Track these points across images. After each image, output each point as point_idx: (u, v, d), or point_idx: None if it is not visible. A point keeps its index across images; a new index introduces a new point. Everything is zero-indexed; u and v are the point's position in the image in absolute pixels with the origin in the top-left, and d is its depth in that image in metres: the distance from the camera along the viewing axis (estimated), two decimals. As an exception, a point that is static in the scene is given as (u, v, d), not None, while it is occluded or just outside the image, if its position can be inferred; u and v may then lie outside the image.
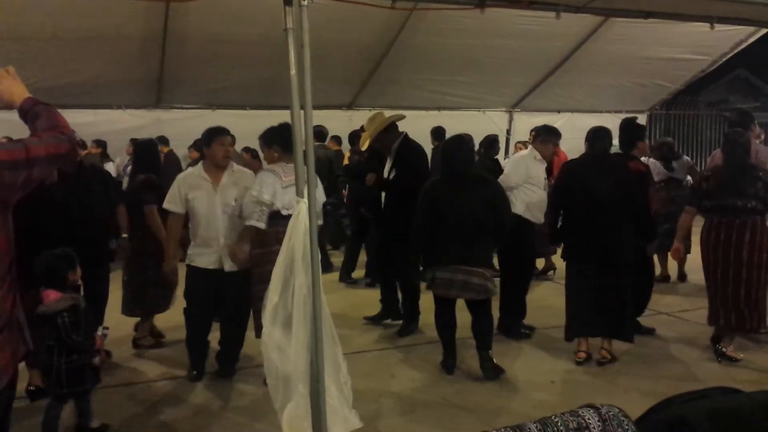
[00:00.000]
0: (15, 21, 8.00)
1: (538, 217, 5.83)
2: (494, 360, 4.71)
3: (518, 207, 5.65)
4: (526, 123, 12.06)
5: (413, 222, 4.90)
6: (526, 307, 5.83)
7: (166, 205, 4.76)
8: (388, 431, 3.86)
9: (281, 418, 2.99)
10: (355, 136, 8.72)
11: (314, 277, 2.86)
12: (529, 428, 1.66)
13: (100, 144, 10.25)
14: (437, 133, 9.85)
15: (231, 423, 4.04)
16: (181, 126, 10.55)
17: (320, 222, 4.37)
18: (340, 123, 10.22)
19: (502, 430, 1.59)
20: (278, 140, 4.66)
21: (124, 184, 9.27)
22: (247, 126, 8.70)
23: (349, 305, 6.58)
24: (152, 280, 5.26)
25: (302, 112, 2.92)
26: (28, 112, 2.21)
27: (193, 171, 4.87)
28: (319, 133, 8.96)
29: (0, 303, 1.97)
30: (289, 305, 2.94)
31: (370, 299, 6.40)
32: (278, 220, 4.37)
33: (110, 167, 9.71)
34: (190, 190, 4.67)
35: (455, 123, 10.78)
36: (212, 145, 4.71)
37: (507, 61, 10.57)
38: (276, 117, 8.96)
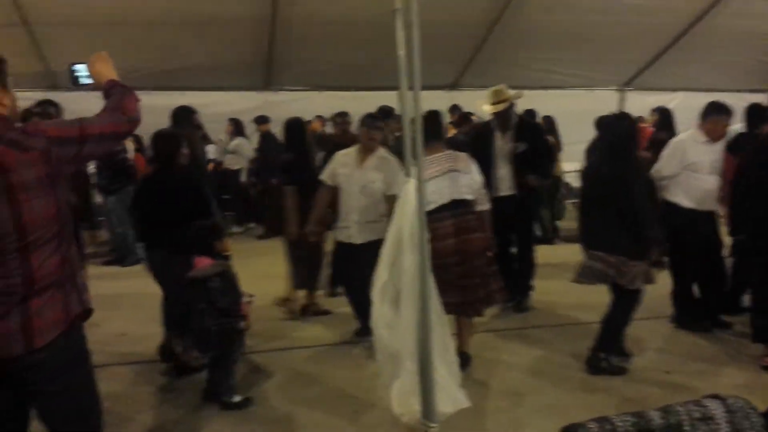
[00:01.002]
0: (132, 6, 8.47)
1: (707, 205, 5.16)
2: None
3: (678, 196, 5.14)
4: (638, 102, 11.56)
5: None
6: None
7: (321, 177, 5.05)
8: (495, 411, 3.85)
9: (390, 394, 3.05)
10: (462, 116, 8.62)
11: (422, 256, 2.88)
12: (651, 416, 1.61)
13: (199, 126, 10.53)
14: (531, 113, 9.37)
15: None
16: (288, 108, 10.77)
17: None
18: (442, 103, 10.14)
19: (624, 415, 1.55)
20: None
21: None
22: (350, 108, 8.82)
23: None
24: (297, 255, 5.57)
25: (410, 93, 2.91)
26: (106, 92, 2.42)
27: (349, 150, 5.08)
28: (388, 113, 8.77)
29: (46, 262, 2.15)
30: (397, 283, 2.97)
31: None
32: None
33: (210, 149, 10.06)
34: (340, 166, 4.95)
35: (561, 102, 10.50)
36: (361, 129, 4.98)
37: (618, 37, 10.14)
38: (380, 98, 9.19)
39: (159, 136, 4.50)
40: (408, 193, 2.85)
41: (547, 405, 3.95)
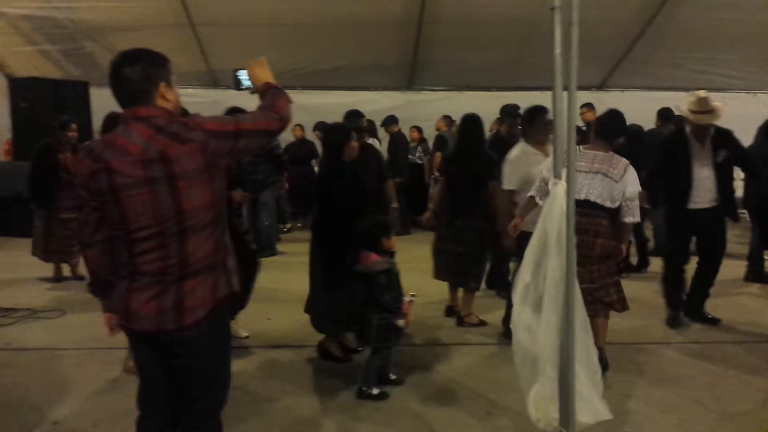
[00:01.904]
0: (286, 8, 8.89)
1: None
2: None
3: None
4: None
5: None
6: None
7: (506, 186, 5.02)
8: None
9: (527, 398, 3.01)
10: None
11: (569, 260, 2.82)
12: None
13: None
14: (664, 114, 8.51)
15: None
16: (430, 107, 10.93)
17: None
18: (589, 105, 9.86)
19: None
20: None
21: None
22: (491, 108, 8.74)
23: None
24: (436, 246, 5.52)
25: (565, 93, 2.85)
26: (262, 93, 2.57)
27: (522, 148, 5.07)
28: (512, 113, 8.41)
29: (202, 246, 2.31)
30: (540, 286, 2.92)
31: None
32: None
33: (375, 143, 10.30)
34: (529, 166, 4.87)
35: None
36: (543, 127, 4.98)
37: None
38: (521, 98, 9.05)
39: (327, 129, 4.68)
40: (557, 195, 2.80)
41: (693, 424, 3.73)
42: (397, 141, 9.69)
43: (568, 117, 2.86)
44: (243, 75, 2.75)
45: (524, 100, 8.90)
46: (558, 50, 2.83)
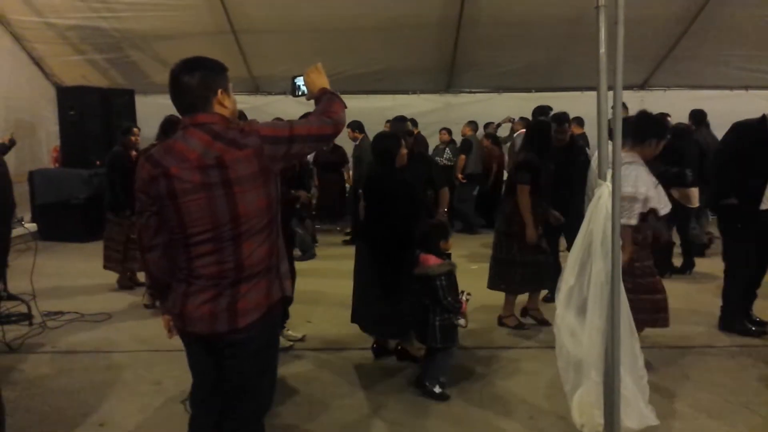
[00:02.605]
0: (324, 14, 8.96)
1: None
2: None
3: None
4: None
5: None
6: None
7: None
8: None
9: (571, 402, 2.99)
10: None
11: (614, 263, 2.78)
12: None
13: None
14: (696, 116, 8.20)
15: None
16: (468, 109, 10.88)
17: None
18: (630, 105, 9.65)
19: None
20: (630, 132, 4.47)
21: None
22: (531, 109, 8.68)
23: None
24: (517, 259, 5.31)
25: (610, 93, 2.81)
26: (317, 99, 2.61)
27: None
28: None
29: (256, 251, 2.36)
30: (584, 290, 2.90)
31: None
32: None
33: None
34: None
35: (765, 104, 9.60)
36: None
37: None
38: (561, 99, 8.96)
39: (378, 137, 4.76)
40: (602, 197, 2.77)
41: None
42: (364, 147, 9.48)
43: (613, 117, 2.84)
44: (300, 81, 2.78)
45: (564, 101, 8.91)
46: (603, 50, 2.81)
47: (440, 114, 10.82)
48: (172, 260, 2.42)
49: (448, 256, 4.28)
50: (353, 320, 4.75)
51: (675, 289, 5.83)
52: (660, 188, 4.16)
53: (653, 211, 4.11)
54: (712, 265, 6.76)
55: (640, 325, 4.11)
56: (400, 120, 5.87)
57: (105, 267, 6.72)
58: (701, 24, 9.24)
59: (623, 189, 3.92)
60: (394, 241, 4.40)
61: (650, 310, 4.20)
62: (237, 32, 9.51)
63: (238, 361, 2.43)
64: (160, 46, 9.76)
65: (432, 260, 4.09)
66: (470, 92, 11.22)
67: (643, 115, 4.39)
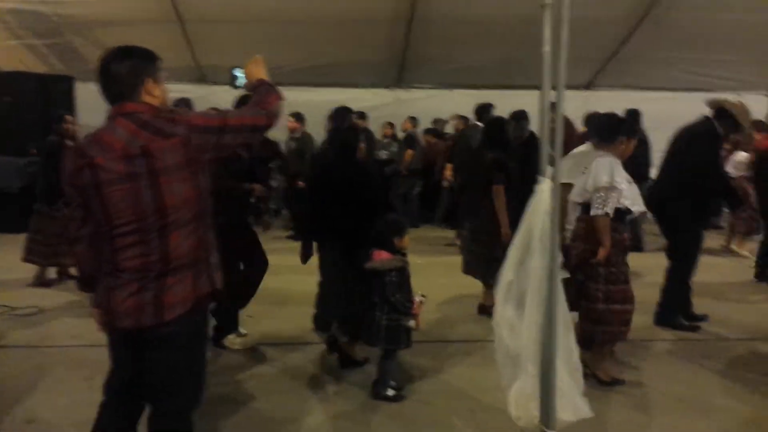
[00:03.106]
0: (276, 6, 8.84)
1: None
2: None
3: None
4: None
5: None
6: None
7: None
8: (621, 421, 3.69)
9: (508, 396, 3.00)
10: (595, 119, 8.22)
11: (552, 259, 2.80)
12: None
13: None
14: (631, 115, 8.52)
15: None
16: (419, 105, 10.92)
17: None
18: (575, 104, 9.82)
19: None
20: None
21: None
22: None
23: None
24: (497, 255, 5.34)
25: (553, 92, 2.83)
26: (254, 89, 2.58)
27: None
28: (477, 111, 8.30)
29: (183, 243, 2.32)
30: (523, 284, 2.91)
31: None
32: None
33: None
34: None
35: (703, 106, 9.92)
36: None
37: (776, 37, 9.43)
38: (511, 97, 9.04)
39: (341, 129, 4.66)
40: (542, 193, 2.78)
41: (674, 421, 3.73)
42: (305, 140, 9.42)
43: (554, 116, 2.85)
44: (239, 72, 2.74)
45: (514, 99, 8.98)
46: (547, 48, 2.82)
47: (390, 109, 10.81)
48: (99, 253, 2.35)
49: (404, 254, 4.08)
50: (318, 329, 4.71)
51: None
52: (634, 186, 4.12)
53: (627, 211, 4.06)
54: (640, 260, 6.98)
55: (610, 337, 4.14)
56: (344, 111, 5.73)
57: (25, 259, 6.48)
58: (646, 26, 9.45)
59: (599, 179, 3.96)
60: (356, 236, 4.22)
61: (619, 323, 4.09)
62: (183, 21, 9.30)
63: (164, 355, 2.37)
64: (103, 33, 9.46)
65: (384, 255, 3.95)
66: (421, 88, 11.24)
67: (611, 114, 4.43)
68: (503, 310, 3.01)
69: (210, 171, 2.40)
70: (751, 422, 3.77)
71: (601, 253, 3.97)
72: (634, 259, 4.31)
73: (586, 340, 4.01)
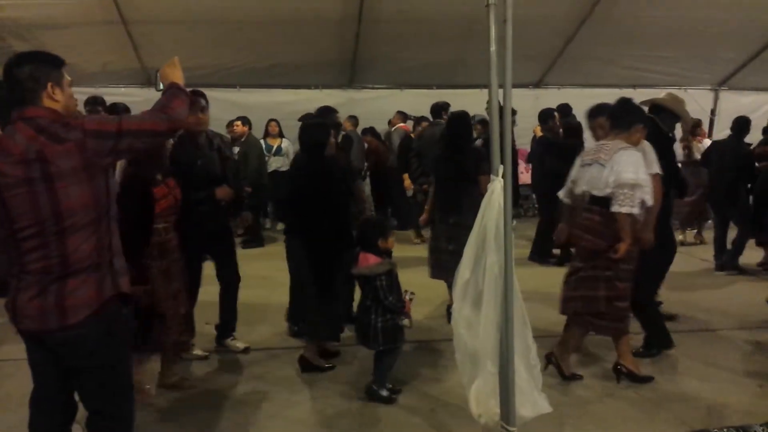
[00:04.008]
0: (224, 6, 8.72)
1: None
2: None
3: None
4: (733, 103, 11.05)
5: None
6: None
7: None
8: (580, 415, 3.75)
9: (468, 393, 3.03)
10: (547, 115, 8.38)
11: (507, 256, 2.84)
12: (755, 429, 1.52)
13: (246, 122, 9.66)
14: (563, 110, 8.70)
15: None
16: (371, 105, 10.92)
17: None
18: (526, 102, 9.97)
19: (726, 430, 1.47)
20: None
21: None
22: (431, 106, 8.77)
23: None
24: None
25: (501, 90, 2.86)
26: (163, 92, 2.61)
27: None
28: (434, 109, 8.51)
29: (82, 246, 2.35)
30: (480, 283, 2.95)
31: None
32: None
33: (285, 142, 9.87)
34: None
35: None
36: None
37: (716, 34, 9.75)
38: (462, 96, 9.13)
39: (308, 126, 4.58)
40: (494, 190, 2.82)
41: (632, 414, 3.81)
42: (250, 143, 9.28)
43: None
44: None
45: (464, 98, 9.08)
46: (493, 47, 2.86)
47: (343, 109, 10.64)
48: (9, 256, 2.40)
49: (389, 254, 4.07)
50: (289, 320, 4.63)
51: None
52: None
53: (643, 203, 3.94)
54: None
55: (611, 332, 4.14)
56: (329, 110, 5.76)
57: None
58: (591, 25, 9.63)
59: (624, 175, 3.82)
60: (329, 234, 4.22)
61: (614, 319, 4.08)
62: (128, 22, 9.06)
63: (75, 361, 2.43)
64: (45, 36, 9.15)
65: (371, 259, 3.93)
66: (372, 88, 11.23)
67: (624, 101, 4.28)
68: (461, 308, 3.04)
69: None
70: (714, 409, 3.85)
71: (622, 248, 3.88)
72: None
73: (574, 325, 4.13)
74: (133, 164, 3.68)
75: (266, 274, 6.30)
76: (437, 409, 3.86)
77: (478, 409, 3.01)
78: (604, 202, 3.95)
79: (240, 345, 4.81)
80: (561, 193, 4.42)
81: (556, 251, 7.61)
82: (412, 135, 9.45)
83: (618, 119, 4.13)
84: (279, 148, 9.83)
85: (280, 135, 9.89)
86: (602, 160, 3.98)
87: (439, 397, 4.01)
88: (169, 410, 3.91)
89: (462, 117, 5.60)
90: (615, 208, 3.87)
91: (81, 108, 7.16)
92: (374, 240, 3.98)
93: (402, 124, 10.24)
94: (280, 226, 5.53)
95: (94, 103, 7.17)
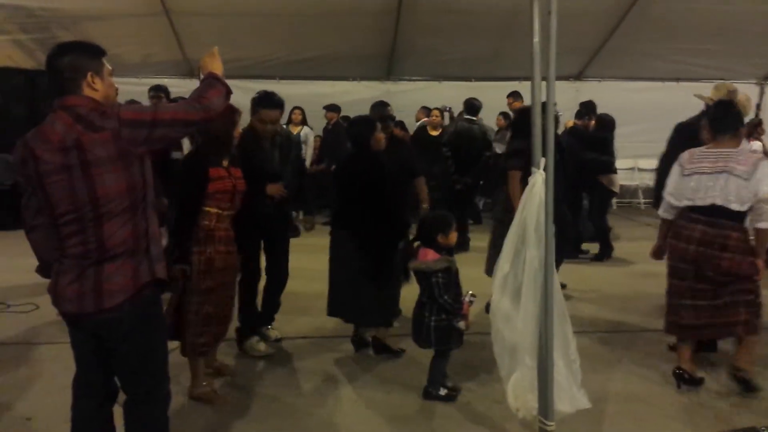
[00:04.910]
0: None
1: None
2: None
3: None
4: (781, 96, 10.80)
5: None
6: None
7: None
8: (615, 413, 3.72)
9: (506, 387, 3.03)
10: (589, 108, 8.21)
11: (547, 250, 2.82)
12: None
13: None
14: (588, 107, 8.14)
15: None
16: (409, 97, 10.90)
17: None
18: (566, 95, 9.85)
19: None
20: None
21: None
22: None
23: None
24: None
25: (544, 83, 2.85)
26: (201, 82, 2.65)
27: None
28: (471, 106, 8.26)
29: (118, 232, 2.40)
30: (519, 276, 2.94)
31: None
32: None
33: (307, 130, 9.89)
34: None
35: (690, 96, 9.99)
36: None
37: (761, 27, 9.54)
38: (501, 88, 9.06)
39: (353, 121, 4.65)
40: (535, 184, 2.80)
41: (672, 413, 3.76)
42: (338, 130, 9.44)
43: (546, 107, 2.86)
44: None
45: (503, 90, 9.02)
46: (536, 39, 2.84)
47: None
48: (53, 240, 2.47)
49: (450, 251, 3.90)
50: (331, 313, 4.63)
51: (597, 274, 6.00)
52: None
53: None
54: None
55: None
56: (381, 104, 5.79)
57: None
58: (635, 17, 9.49)
59: (764, 188, 3.61)
60: (370, 225, 4.23)
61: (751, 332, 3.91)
62: (171, 14, 9.22)
63: (114, 344, 2.51)
64: (89, 27, 9.38)
65: (430, 255, 3.79)
66: (410, 80, 11.24)
67: (727, 102, 4.11)
68: (500, 302, 3.03)
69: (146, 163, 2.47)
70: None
71: (760, 264, 3.75)
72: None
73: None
74: (201, 146, 3.72)
75: (303, 266, 6.35)
76: (473, 402, 3.85)
77: (516, 403, 3.00)
78: (737, 216, 3.74)
79: (273, 335, 4.81)
80: (661, 211, 4.12)
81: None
82: (429, 129, 9.03)
83: (722, 123, 3.91)
84: (297, 135, 9.87)
85: (303, 122, 9.88)
86: (739, 172, 3.70)
87: (476, 390, 4.00)
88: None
89: (523, 112, 5.56)
90: (761, 225, 3.69)
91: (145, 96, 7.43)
92: (434, 235, 3.84)
93: (426, 119, 10.16)
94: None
95: (157, 89, 7.51)
